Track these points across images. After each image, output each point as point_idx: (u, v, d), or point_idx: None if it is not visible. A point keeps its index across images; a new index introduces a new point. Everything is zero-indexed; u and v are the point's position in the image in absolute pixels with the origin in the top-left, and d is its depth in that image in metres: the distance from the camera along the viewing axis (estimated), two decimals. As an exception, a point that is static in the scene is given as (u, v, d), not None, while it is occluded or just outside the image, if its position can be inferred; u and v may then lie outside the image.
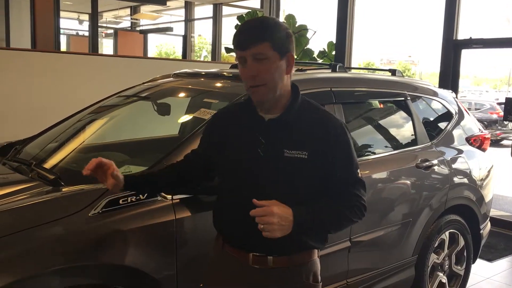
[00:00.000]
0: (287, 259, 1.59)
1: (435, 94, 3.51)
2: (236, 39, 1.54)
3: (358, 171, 1.63)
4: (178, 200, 2.04)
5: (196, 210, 2.06)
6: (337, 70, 3.02)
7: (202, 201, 2.09)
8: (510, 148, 5.10)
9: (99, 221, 1.84)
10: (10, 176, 2.33)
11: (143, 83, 3.18)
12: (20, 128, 3.66)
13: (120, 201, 1.91)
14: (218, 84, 2.89)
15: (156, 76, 3.27)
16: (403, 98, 3.17)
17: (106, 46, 13.65)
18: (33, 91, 4.52)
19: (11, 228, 1.72)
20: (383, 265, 2.80)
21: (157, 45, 19.24)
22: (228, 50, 7.83)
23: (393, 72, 3.42)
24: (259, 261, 1.58)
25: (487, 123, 13.88)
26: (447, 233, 3.21)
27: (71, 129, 2.91)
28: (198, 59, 14.10)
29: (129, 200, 1.93)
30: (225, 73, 2.99)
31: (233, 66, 3.49)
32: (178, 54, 15.07)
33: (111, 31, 12.07)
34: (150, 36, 12.44)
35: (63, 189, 2.02)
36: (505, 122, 13.15)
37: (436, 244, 3.14)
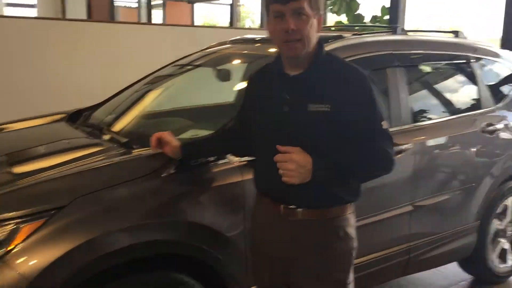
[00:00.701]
0: (316, 212, 1.64)
1: (498, 56, 3.37)
2: None
3: (383, 123, 1.63)
4: (245, 162, 2.09)
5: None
6: (397, 32, 2.95)
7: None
8: None
9: (171, 181, 1.92)
10: (84, 139, 2.45)
11: (201, 50, 3.23)
12: (78, 97, 3.81)
13: (191, 163, 1.99)
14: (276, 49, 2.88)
15: (211, 44, 3.30)
16: (466, 60, 3.07)
17: (155, 16, 13.80)
18: (89, 61, 4.65)
19: (92, 187, 1.83)
20: (445, 229, 2.78)
21: (202, 15, 19.27)
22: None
23: (455, 33, 3.30)
24: (289, 213, 1.65)
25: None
26: (510, 199, 3.14)
27: (134, 96, 3.00)
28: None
29: (199, 161, 2.00)
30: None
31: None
32: (223, 23, 15.04)
33: (160, 1, 12.17)
34: (197, 6, 12.46)
35: (136, 152, 2.11)
36: None
37: (499, 210, 3.08)
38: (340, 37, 2.56)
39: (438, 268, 3.09)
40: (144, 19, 8.84)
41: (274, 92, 1.67)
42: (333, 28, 4.37)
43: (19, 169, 2.07)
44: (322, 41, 1.68)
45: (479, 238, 2.98)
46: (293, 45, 1.57)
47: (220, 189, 2.01)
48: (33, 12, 10.93)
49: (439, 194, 2.71)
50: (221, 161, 2.05)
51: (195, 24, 11.77)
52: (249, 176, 2.06)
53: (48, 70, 4.33)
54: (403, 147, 2.50)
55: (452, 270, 3.27)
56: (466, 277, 3.28)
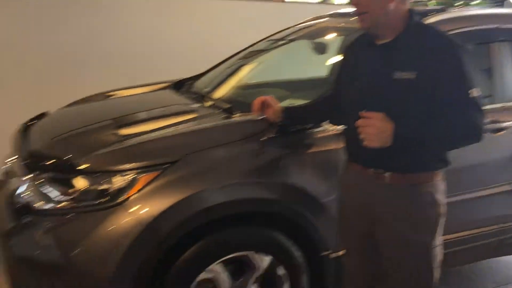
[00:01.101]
0: (403, 176, 1.68)
1: None
2: None
3: (472, 91, 1.60)
4: (340, 131, 2.16)
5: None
6: (504, 6, 2.83)
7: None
8: None
9: (270, 145, 2.04)
10: (189, 105, 2.64)
11: (297, 24, 3.30)
12: (178, 68, 4.05)
13: (289, 128, 2.09)
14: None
15: (305, 19, 3.36)
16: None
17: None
18: (189, 34, 4.88)
19: (200, 145, 2.00)
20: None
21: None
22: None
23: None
24: (377, 176, 1.70)
25: None
26: None
27: (233, 68, 3.16)
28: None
29: (297, 128, 2.10)
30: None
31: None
32: None
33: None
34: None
35: (237, 117, 2.25)
36: None
37: None
38: (443, 10, 2.51)
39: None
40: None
41: (362, 61, 1.75)
42: (431, 3, 4.21)
43: (134, 129, 2.29)
44: (412, 12, 1.69)
45: None
46: (360, 18, 1.67)
47: (315, 155, 2.10)
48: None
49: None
50: (317, 129, 2.13)
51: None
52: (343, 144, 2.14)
53: (152, 41, 4.63)
54: (505, 124, 2.43)
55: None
56: None
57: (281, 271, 2.09)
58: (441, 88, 1.60)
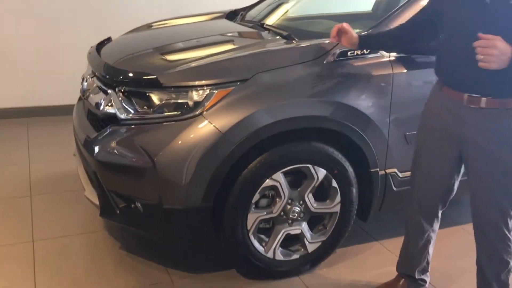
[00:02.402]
0: (499, 101, 1.75)
1: None
2: None
3: None
4: (395, 58, 2.31)
5: (411, 68, 2.33)
6: None
7: (416, 61, 2.34)
8: None
9: (333, 67, 2.22)
10: (250, 31, 2.80)
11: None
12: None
13: (348, 53, 2.25)
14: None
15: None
16: None
17: None
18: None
19: (268, 65, 2.17)
20: None
21: None
22: None
23: None
24: (473, 101, 1.78)
25: None
26: None
27: (275, 4, 3.28)
28: None
29: (355, 53, 2.26)
30: None
31: None
32: None
33: None
34: None
35: (298, 42, 2.41)
36: None
37: None
38: None
39: None
40: None
41: None
42: None
43: (202, 51, 2.46)
44: None
45: None
46: None
47: (372, 78, 2.27)
48: None
49: None
50: (373, 55, 2.29)
51: None
52: (398, 70, 2.30)
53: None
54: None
55: None
56: None
57: (334, 183, 2.32)
58: None
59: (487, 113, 1.78)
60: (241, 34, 2.76)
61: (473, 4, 1.73)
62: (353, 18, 3.31)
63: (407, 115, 2.37)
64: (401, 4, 2.47)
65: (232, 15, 3.25)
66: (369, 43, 2.19)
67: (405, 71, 2.32)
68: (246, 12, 3.26)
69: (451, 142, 1.90)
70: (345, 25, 2.10)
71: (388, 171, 2.42)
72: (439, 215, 2.14)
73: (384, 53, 2.30)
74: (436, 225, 2.16)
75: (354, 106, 2.23)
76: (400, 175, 2.45)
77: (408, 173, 2.45)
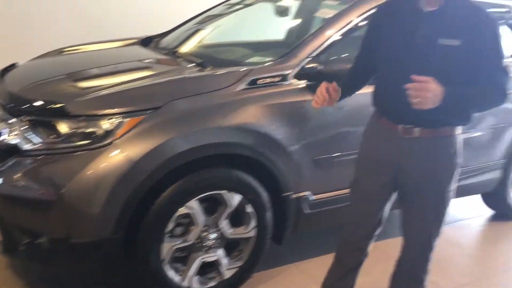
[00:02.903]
0: (432, 131, 1.87)
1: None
2: None
3: (503, 61, 1.82)
4: (304, 85, 2.42)
5: (319, 95, 2.44)
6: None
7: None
8: None
9: (245, 94, 2.28)
10: (163, 58, 2.81)
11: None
12: (144, 26, 4.12)
13: (259, 81, 2.32)
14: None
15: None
16: (507, 10, 3.24)
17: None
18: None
19: (182, 93, 2.18)
20: (473, 163, 3.08)
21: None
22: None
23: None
24: (407, 131, 1.89)
25: None
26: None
27: (200, 26, 3.32)
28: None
29: (266, 81, 2.34)
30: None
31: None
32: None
33: None
34: None
35: (211, 70, 2.45)
36: None
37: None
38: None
39: (462, 200, 3.43)
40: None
41: (407, 25, 1.82)
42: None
43: (113, 78, 2.42)
44: None
45: (502, 175, 3.27)
46: None
47: (283, 105, 2.35)
48: None
49: (472, 131, 2.96)
50: (284, 82, 2.38)
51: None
52: (308, 97, 2.40)
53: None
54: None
55: (475, 203, 3.61)
56: (488, 211, 3.62)
57: (249, 208, 2.36)
58: (481, 56, 1.77)
59: (421, 142, 1.89)
60: (154, 61, 2.76)
61: (404, 43, 1.84)
62: (266, 46, 3.42)
63: (317, 140, 2.48)
64: (311, 32, 2.61)
65: (146, 42, 3.23)
66: (346, 90, 2.07)
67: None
68: (161, 39, 3.27)
69: (387, 170, 1.97)
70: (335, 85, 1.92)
71: (300, 194, 2.50)
72: (372, 240, 2.17)
73: (294, 81, 2.40)
74: (369, 248, 2.18)
75: (266, 133, 2.30)
76: (312, 198, 2.54)
77: (320, 196, 2.58)
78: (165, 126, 2.09)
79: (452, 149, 1.91)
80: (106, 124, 2.05)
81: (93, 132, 2.05)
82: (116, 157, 2.01)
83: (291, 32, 3.42)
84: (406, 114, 1.84)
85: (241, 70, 2.34)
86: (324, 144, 2.52)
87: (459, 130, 1.93)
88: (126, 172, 2.01)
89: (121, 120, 2.05)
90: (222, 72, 2.37)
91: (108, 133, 2.04)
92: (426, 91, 1.67)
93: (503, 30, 3.33)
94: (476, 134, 3.00)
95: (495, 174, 3.25)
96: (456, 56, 1.77)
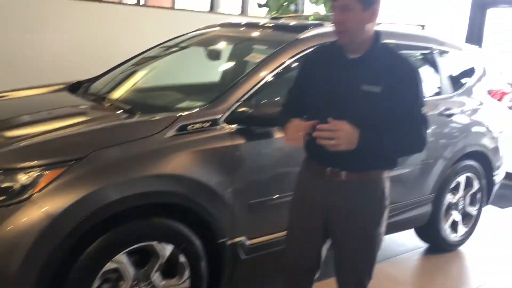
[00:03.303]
0: (358, 174, 1.91)
1: (460, 48, 3.76)
2: None
3: (423, 109, 1.89)
4: (234, 129, 2.40)
5: (251, 139, 2.43)
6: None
7: (256, 132, 2.45)
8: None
9: (174, 141, 2.22)
10: (89, 105, 2.72)
11: (192, 31, 3.50)
12: (70, 72, 4.03)
13: (189, 127, 2.29)
14: (263, 33, 3.19)
15: (198, 27, 3.57)
16: (429, 51, 3.43)
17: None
18: (77, 39, 4.81)
19: (105, 143, 2.10)
20: (404, 199, 3.16)
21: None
22: (259, 5, 8.00)
23: (421, 26, 3.66)
24: (334, 174, 1.93)
25: None
26: (463, 176, 3.55)
27: (130, 71, 3.27)
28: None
29: (196, 127, 2.30)
30: (268, 24, 3.30)
31: (274, 18, 3.78)
32: (203, 7, 15.11)
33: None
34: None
35: (139, 117, 2.39)
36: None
37: (452, 185, 3.49)
38: (320, 25, 2.87)
39: (397, 235, 3.50)
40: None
41: (333, 71, 1.91)
42: (311, 18, 4.69)
43: (33, 128, 2.31)
44: (379, 32, 1.90)
45: (433, 209, 3.38)
46: (339, 35, 1.85)
47: (213, 150, 2.31)
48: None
49: (401, 168, 3.06)
50: (215, 127, 2.35)
51: (176, 6, 11.88)
52: (238, 141, 2.39)
53: (41, 46, 4.51)
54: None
55: (409, 238, 3.68)
56: (422, 245, 3.70)
57: (182, 258, 2.27)
58: (401, 104, 1.83)
59: (349, 186, 1.92)
60: (80, 109, 2.67)
61: (329, 89, 1.90)
62: (198, 89, 3.42)
63: (252, 183, 2.45)
64: (241, 76, 2.62)
65: (75, 87, 3.14)
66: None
67: (245, 142, 2.41)
68: (90, 84, 3.18)
69: (318, 213, 1.99)
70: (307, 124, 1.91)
71: (235, 240, 2.45)
72: (313, 284, 2.17)
73: (224, 125, 2.38)
74: None
75: (197, 179, 2.25)
76: (247, 243, 2.49)
77: (256, 240, 2.53)
78: (88, 178, 1.99)
79: (379, 193, 1.95)
80: (23, 178, 1.93)
81: (10, 187, 1.92)
82: (34, 213, 1.89)
83: (222, 76, 3.44)
84: (332, 157, 1.86)
85: (170, 116, 2.30)
86: (259, 187, 2.50)
87: (386, 173, 1.97)
88: (46, 229, 1.88)
89: (39, 173, 1.94)
90: (149, 119, 2.32)
91: (25, 187, 1.92)
92: (341, 132, 1.72)
93: (426, 70, 3.53)
94: (405, 171, 3.09)
95: (427, 208, 3.34)
96: (377, 103, 1.82)
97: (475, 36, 5.71)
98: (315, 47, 2.15)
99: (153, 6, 6.54)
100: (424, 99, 1.92)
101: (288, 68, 2.62)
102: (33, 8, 4.50)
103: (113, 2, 5.98)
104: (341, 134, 1.74)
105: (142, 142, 2.16)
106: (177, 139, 2.24)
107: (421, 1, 7.23)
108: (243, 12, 10.16)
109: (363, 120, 1.80)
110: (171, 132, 2.24)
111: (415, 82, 1.87)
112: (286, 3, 7.76)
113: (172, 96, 3.09)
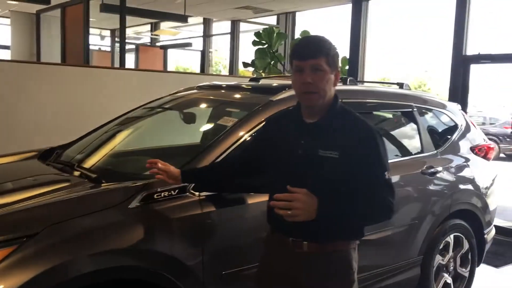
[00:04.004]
0: (320, 245, 1.80)
1: (441, 106, 3.74)
2: (298, 51, 1.79)
3: (387, 173, 1.80)
4: (204, 197, 2.30)
5: (220, 206, 2.33)
6: (347, 83, 3.28)
7: (225, 198, 2.36)
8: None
9: (138, 212, 2.12)
10: (55, 175, 2.62)
11: (170, 94, 3.48)
12: (51, 136, 3.97)
13: (155, 196, 2.19)
14: (238, 95, 3.16)
15: (180, 88, 3.56)
16: (410, 110, 3.40)
17: (128, 60, 14.08)
18: (63, 103, 4.83)
19: (62, 217, 1.99)
20: (391, 263, 3.01)
21: (174, 60, 19.64)
22: (245, 64, 8.14)
23: (400, 85, 3.66)
24: (296, 245, 1.82)
25: (502, 138, 13.90)
26: (452, 236, 3.41)
27: (105, 136, 3.20)
28: (216, 73, 14.45)
29: (162, 195, 2.20)
30: (244, 86, 3.28)
31: (252, 80, 3.78)
32: (195, 68, 15.46)
33: (132, 46, 12.51)
34: (169, 51, 12.84)
35: (105, 186, 2.30)
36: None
37: (441, 246, 3.34)
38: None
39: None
40: (117, 63, 9.14)
41: (291, 136, 1.86)
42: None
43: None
44: (337, 95, 1.85)
45: (423, 272, 3.22)
46: (309, 96, 1.78)
47: (181, 220, 2.20)
48: (6, 55, 11.09)
49: (385, 229, 2.94)
50: (183, 195, 2.25)
51: (168, 69, 12.13)
52: (207, 209, 2.28)
53: (20, 111, 4.49)
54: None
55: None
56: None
57: None
58: (361, 168, 1.75)
59: (312, 258, 1.81)
60: (46, 179, 2.58)
61: (288, 155, 1.83)
62: (183, 150, 3.35)
63: (223, 254, 2.32)
64: (213, 139, 2.55)
65: (47, 154, 3.06)
66: (193, 176, 2.18)
67: (215, 209, 2.31)
68: (63, 150, 3.10)
69: (283, 285, 1.88)
70: (160, 164, 2.08)
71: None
72: None
73: (193, 193, 2.29)
74: None
75: (163, 252, 2.12)
76: (221, 318, 2.33)
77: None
78: (42, 255, 1.86)
79: (345, 265, 1.83)
80: (-31, 259, 1.80)
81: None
82: (-18, 296, 1.75)
83: (206, 135, 3.38)
84: (293, 228, 1.77)
85: (135, 185, 2.21)
86: (232, 256, 2.37)
87: (353, 243, 1.86)
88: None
89: (-13, 253, 1.81)
90: (113, 188, 2.22)
91: (-26, 267, 1.79)
92: (298, 202, 1.63)
93: (407, 128, 3.48)
94: (390, 233, 2.97)
95: (415, 272, 3.19)
96: (336, 168, 1.75)
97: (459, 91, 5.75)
98: (279, 111, 2.10)
99: (145, 70, 6.62)
100: (388, 163, 1.83)
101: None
102: (11, 74, 4.51)
103: (98, 67, 6.07)
104: (298, 204, 1.65)
105: (103, 214, 2.05)
106: (141, 210, 2.14)
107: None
108: (232, 72, 10.35)
109: (323, 187, 1.73)
110: (135, 202, 2.13)
111: (374, 145, 1.80)
112: (273, 62, 7.87)
113: (143, 161, 3.00)
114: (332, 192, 1.74)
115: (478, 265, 3.67)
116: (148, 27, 13.81)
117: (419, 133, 3.37)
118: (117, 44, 10.41)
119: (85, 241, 1.98)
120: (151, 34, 13.97)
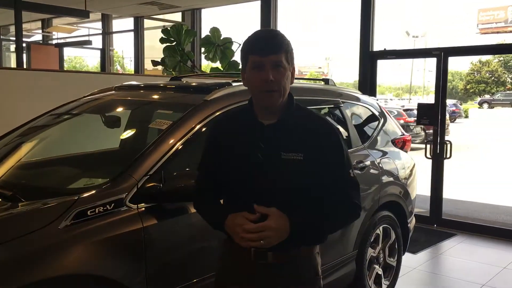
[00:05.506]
0: (285, 255, 1.68)
1: (362, 100, 3.81)
2: (258, 45, 1.63)
3: (350, 171, 1.73)
4: (143, 209, 2.09)
5: (162, 218, 2.13)
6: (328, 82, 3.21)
7: (166, 209, 2.16)
8: (423, 150, 5.59)
9: (70, 232, 1.85)
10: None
11: (84, 96, 3.15)
12: None
13: (88, 212, 1.93)
14: (166, 96, 2.95)
15: (95, 90, 3.24)
16: (336, 105, 3.42)
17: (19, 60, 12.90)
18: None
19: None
20: (330, 260, 3.00)
21: (66, 59, 18.46)
22: (154, 63, 7.76)
23: (326, 81, 3.67)
24: (260, 256, 1.67)
25: (397, 129, 14.82)
26: (380, 228, 3.50)
27: (13, 145, 2.81)
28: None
29: (97, 211, 1.95)
30: (168, 85, 3.06)
31: (173, 79, 3.56)
32: (92, 67, 14.62)
33: (23, 44, 11.45)
34: (66, 50, 11.99)
35: (24, 205, 1.98)
36: (411, 127, 14.31)
37: (372, 239, 3.41)
38: (229, 84, 2.70)
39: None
40: (6, 63, 8.28)
41: (249, 140, 1.69)
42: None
43: None
44: (291, 94, 1.71)
45: (357, 267, 3.25)
46: (271, 94, 1.62)
47: (119, 236, 1.97)
48: None
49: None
50: (121, 209, 2.02)
51: (64, 68, 11.31)
52: (148, 222, 2.07)
53: None
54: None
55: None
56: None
57: None
58: (329, 168, 1.65)
59: (277, 268, 1.69)
60: None
61: (248, 161, 1.68)
62: (101, 156, 3.06)
63: (165, 269, 2.13)
64: (150, 144, 2.32)
65: None
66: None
67: (157, 222, 2.11)
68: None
69: None
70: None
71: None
72: None
73: (130, 206, 2.06)
74: None
75: (99, 275, 1.88)
76: None
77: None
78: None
79: (312, 272, 1.74)
80: None
81: None
82: None
83: (122, 146, 3.11)
84: None
85: (64, 201, 1.93)
86: (176, 271, 2.18)
87: (315, 248, 1.78)
88: None
89: None
90: (37, 208, 1.92)
91: None
92: (269, 231, 1.55)
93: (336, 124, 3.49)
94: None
95: (351, 267, 3.21)
96: (301, 170, 1.64)
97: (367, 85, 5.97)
98: (223, 113, 1.92)
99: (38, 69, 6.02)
100: (350, 159, 1.77)
101: (198, 133, 2.38)
102: None
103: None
104: (270, 233, 1.55)
105: (28, 239, 1.76)
106: (74, 229, 1.87)
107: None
108: (139, 71, 9.89)
109: (291, 194, 1.63)
110: (66, 221, 1.86)
111: (338, 143, 1.72)
112: (183, 60, 7.61)
113: (65, 172, 2.68)
114: (301, 200, 1.64)
115: (403, 254, 3.81)
116: (39, 23, 12.75)
117: (347, 128, 3.40)
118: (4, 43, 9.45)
119: (6, 273, 1.68)
120: (43, 31, 12.92)
